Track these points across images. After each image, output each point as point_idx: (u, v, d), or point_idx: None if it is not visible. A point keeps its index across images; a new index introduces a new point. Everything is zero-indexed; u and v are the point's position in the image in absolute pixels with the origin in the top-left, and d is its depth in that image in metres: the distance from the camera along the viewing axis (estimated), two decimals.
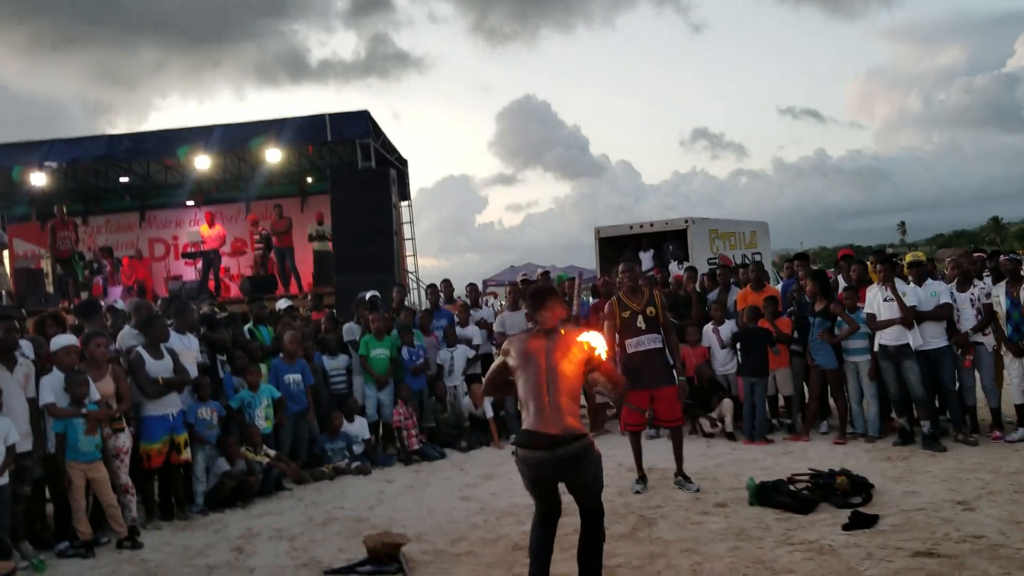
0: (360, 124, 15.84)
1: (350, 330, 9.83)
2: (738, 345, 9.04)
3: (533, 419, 4.28)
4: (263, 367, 8.38)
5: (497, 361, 4.69)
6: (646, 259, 14.60)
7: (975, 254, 9.37)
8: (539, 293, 4.70)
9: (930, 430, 7.77)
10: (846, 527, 5.58)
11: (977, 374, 8.13)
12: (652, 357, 6.95)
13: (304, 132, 15.88)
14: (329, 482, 8.12)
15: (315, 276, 16.81)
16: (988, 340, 7.95)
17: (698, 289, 10.13)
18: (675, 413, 7.05)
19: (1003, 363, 8.02)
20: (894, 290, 7.92)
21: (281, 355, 8.59)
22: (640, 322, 7.00)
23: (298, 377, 8.51)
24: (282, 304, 10.92)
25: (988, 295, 7.92)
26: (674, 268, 13.09)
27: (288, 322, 9.54)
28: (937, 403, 8.19)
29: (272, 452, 7.94)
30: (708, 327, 9.35)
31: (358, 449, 8.75)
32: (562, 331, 4.54)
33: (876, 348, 8.10)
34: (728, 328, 9.17)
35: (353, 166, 16.40)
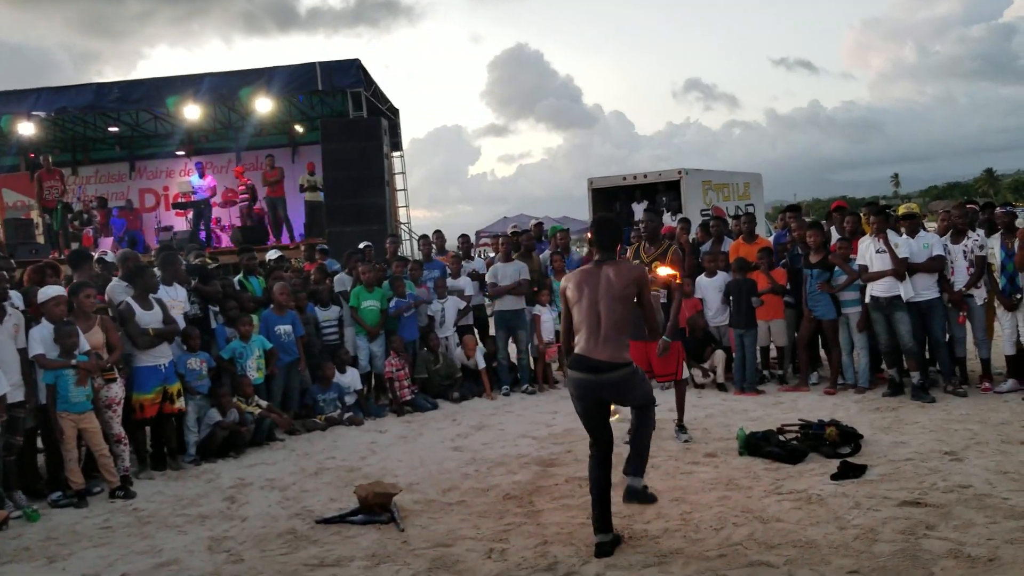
0: (351, 73, 15.63)
1: (341, 281, 9.79)
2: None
3: (583, 344, 4.62)
4: (254, 318, 8.36)
5: (563, 307, 4.91)
6: (639, 210, 14.52)
7: (968, 206, 9.31)
8: (605, 224, 4.92)
9: (920, 381, 7.81)
10: (835, 477, 5.62)
11: (968, 325, 8.14)
12: None
13: (295, 81, 15.69)
14: (321, 432, 8.16)
15: (307, 227, 16.74)
16: (979, 292, 7.94)
17: (691, 241, 10.09)
18: (669, 367, 7.02)
19: (994, 314, 8.04)
20: (886, 241, 7.88)
21: (272, 306, 8.56)
22: None
23: (289, 328, 8.48)
24: (272, 255, 10.87)
25: (981, 247, 7.89)
26: (667, 219, 13.02)
27: (279, 274, 9.50)
28: (927, 354, 8.22)
29: (264, 403, 7.96)
30: (701, 278, 9.33)
31: (350, 400, 8.78)
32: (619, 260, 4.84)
33: (867, 300, 8.09)
34: (721, 280, 9.15)
35: (344, 116, 16.24)
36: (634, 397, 4.72)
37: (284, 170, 17.42)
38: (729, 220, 11.03)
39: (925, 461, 5.89)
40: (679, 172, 14.27)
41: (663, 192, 14.62)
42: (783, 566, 4.27)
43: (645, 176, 14.92)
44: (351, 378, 8.91)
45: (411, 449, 7.36)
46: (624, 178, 15.13)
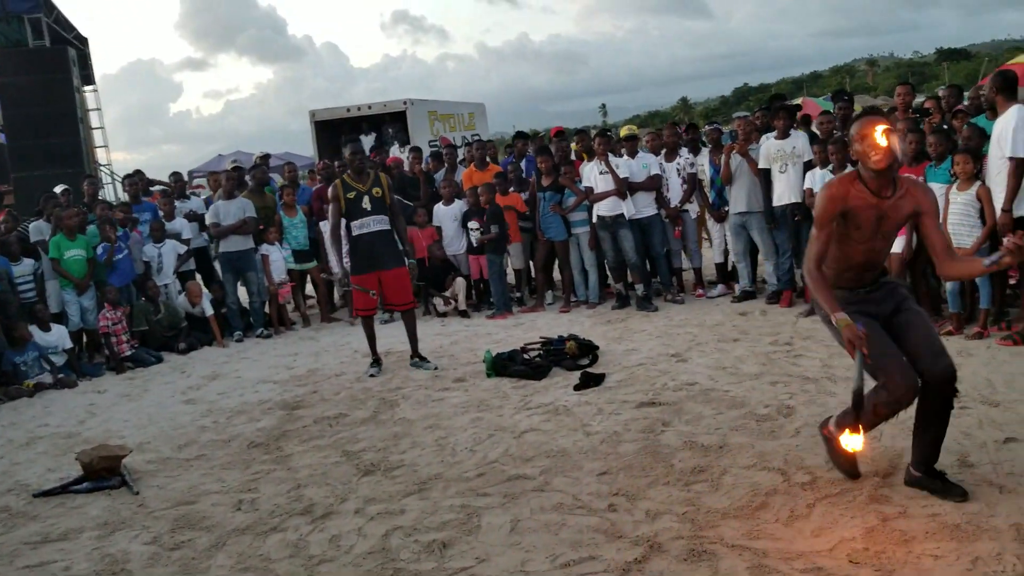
0: None
1: (38, 229, 8.61)
2: (468, 224, 8.99)
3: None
4: None
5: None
6: (367, 142, 14.19)
7: (676, 127, 9.96)
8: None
9: (643, 292, 8.33)
10: (577, 387, 5.85)
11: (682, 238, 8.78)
12: (379, 239, 6.76)
13: None
14: (28, 400, 7.21)
15: None
16: (692, 207, 8.56)
17: (424, 169, 9.96)
18: (406, 296, 6.97)
19: (704, 227, 8.73)
20: (608, 164, 8.25)
21: None
22: (366, 203, 6.76)
23: None
24: None
25: (692, 165, 8.48)
26: (395, 151, 12.81)
27: None
28: (648, 267, 8.76)
29: None
30: (438, 207, 9.23)
31: (59, 361, 7.81)
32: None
33: (594, 219, 8.45)
34: (457, 208, 9.10)
35: (23, 45, 14.34)
36: None
37: None
38: (459, 150, 11.00)
39: (655, 364, 6.29)
40: (404, 103, 14.08)
41: (389, 124, 14.38)
42: (539, 476, 4.35)
43: (370, 107, 14.58)
44: (58, 336, 7.91)
45: (137, 407, 6.69)
46: (348, 110, 14.68)
